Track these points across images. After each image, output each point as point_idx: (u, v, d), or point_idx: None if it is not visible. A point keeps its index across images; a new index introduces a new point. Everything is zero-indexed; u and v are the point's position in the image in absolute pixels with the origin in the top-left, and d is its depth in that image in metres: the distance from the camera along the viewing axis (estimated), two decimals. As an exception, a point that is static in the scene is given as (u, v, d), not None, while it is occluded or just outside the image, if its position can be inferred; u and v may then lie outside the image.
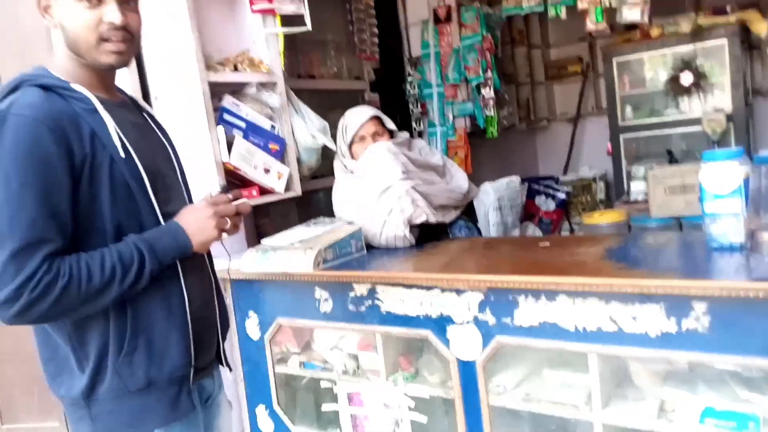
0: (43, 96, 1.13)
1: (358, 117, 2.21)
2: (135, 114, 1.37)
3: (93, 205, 1.16)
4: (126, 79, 2.16)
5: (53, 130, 1.10)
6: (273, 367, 2.13)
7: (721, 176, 1.43)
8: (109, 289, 1.14)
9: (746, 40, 4.46)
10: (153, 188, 1.24)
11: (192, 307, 1.30)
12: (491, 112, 4.31)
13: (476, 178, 3.92)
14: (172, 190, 1.34)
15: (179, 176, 1.41)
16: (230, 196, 1.35)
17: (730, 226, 1.44)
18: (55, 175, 1.10)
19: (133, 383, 1.21)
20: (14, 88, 1.15)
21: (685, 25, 4.31)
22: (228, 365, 1.53)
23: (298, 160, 2.44)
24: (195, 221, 1.25)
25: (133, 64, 2.21)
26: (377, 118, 2.23)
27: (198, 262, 1.38)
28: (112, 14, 1.17)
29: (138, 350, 1.21)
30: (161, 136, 1.42)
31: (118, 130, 1.21)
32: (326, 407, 2.16)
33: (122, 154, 1.19)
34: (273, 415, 2.17)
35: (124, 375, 1.20)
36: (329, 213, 2.32)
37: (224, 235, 1.32)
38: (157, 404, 1.24)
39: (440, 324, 1.72)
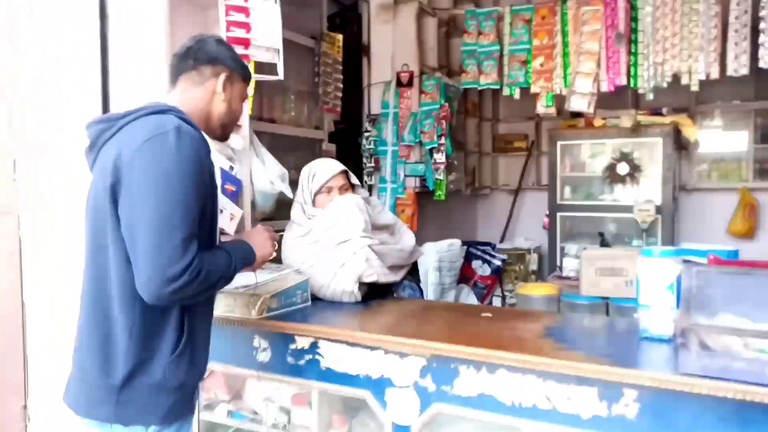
0: (192, 128, 1.41)
1: (328, 169, 2.25)
2: None
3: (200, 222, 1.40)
4: (86, 92, 2.14)
5: (206, 154, 1.40)
6: (198, 414, 2.06)
7: (658, 271, 1.54)
8: (221, 281, 1.42)
9: (677, 140, 4.84)
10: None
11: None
12: (441, 175, 4.45)
13: (420, 236, 3.99)
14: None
15: None
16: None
17: (662, 318, 1.54)
18: (204, 187, 1.38)
19: (172, 381, 1.40)
20: (162, 111, 1.42)
21: (625, 120, 4.65)
22: None
23: (253, 204, 2.43)
24: (259, 240, 1.59)
25: (98, 84, 2.19)
26: (345, 173, 2.27)
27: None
28: (245, 111, 1.61)
29: (185, 355, 1.42)
30: None
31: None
32: (250, 460, 2.09)
33: (220, 190, 1.55)
34: (192, 463, 2.08)
35: (169, 372, 1.39)
36: (276, 260, 2.31)
37: None
38: (181, 401, 1.44)
39: (380, 385, 1.72)
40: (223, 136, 1.62)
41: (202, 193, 1.37)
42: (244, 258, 1.52)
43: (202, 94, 1.52)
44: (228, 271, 1.43)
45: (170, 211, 1.29)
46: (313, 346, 1.83)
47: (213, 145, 2.25)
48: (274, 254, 1.65)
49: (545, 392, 1.50)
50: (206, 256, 1.35)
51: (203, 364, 1.51)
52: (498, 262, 5.27)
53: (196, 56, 1.52)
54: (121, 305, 1.36)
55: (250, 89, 2.34)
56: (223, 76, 1.53)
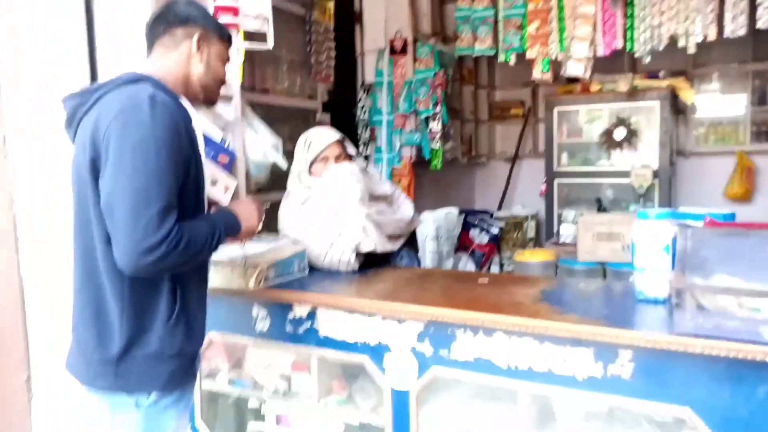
0: (167, 96, 1.39)
1: (324, 137, 2.23)
2: None
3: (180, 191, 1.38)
4: (76, 70, 2.11)
5: (182, 122, 1.37)
6: (200, 382, 2.08)
7: (652, 234, 1.54)
8: (202, 253, 1.40)
9: (675, 104, 4.81)
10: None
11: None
12: (437, 144, 4.43)
13: (417, 206, 3.98)
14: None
15: None
16: None
17: (657, 281, 1.55)
18: (181, 156, 1.35)
19: (169, 349, 1.41)
20: (136, 80, 1.39)
21: (622, 84, 4.61)
22: None
23: (247, 174, 2.42)
24: (245, 211, 1.56)
25: (85, 59, 2.16)
26: (341, 142, 2.25)
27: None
28: (226, 75, 1.57)
29: (180, 323, 1.42)
30: None
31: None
32: (252, 427, 2.12)
33: (204, 157, 1.47)
34: (195, 430, 2.11)
35: (165, 341, 1.40)
36: (273, 229, 2.31)
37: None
38: (180, 369, 1.45)
39: (378, 351, 1.74)
40: (208, 100, 1.58)
41: (180, 162, 1.35)
42: (229, 228, 1.50)
43: (177, 57, 1.48)
44: (211, 240, 1.41)
45: (146, 181, 1.28)
46: (312, 314, 1.84)
47: (205, 115, 2.25)
48: (260, 227, 1.62)
49: (541, 355, 1.51)
50: (187, 226, 1.34)
51: (201, 331, 1.52)
52: (496, 231, 5.30)
53: (166, 19, 1.47)
54: (109, 279, 1.37)
55: (239, 56, 2.30)
56: (196, 36, 1.48)
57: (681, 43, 3.74)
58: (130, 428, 1.41)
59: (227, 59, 1.58)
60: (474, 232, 5.26)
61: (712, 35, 3.66)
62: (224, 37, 1.56)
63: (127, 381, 1.39)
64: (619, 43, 3.90)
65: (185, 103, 1.47)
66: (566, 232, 4.34)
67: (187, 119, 1.41)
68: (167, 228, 1.28)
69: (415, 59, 4.33)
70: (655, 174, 4.62)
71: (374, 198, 2.22)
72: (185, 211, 1.37)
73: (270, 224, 2.31)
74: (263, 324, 1.93)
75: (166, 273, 1.37)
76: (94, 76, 2.18)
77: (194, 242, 1.34)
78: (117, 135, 1.29)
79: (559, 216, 4.84)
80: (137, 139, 1.29)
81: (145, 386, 1.40)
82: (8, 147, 2.38)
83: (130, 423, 1.41)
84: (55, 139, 2.18)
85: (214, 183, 2.24)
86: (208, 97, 1.57)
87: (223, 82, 1.59)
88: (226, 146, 2.33)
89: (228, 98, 2.32)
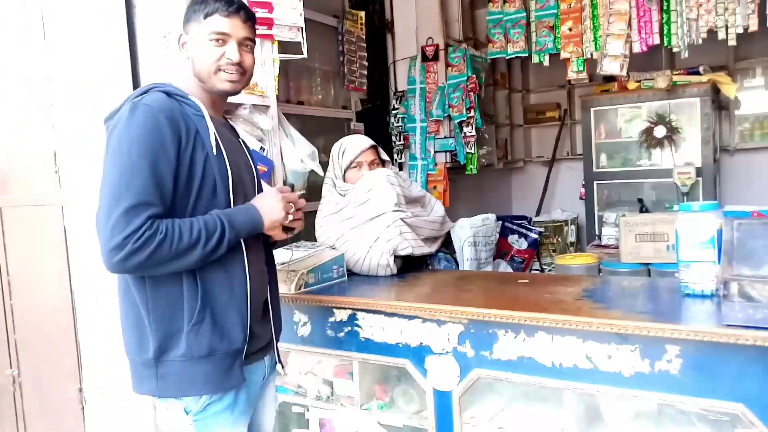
0: (165, 97, 1.40)
1: (357, 144, 2.26)
2: (232, 135, 1.62)
3: (185, 190, 1.37)
4: (120, 86, 2.20)
5: (168, 119, 1.35)
6: (245, 389, 2.11)
7: (697, 226, 1.50)
8: (194, 250, 1.33)
9: (716, 100, 4.68)
10: (233, 190, 1.44)
11: (252, 296, 1.47)
12: (472, 149, 4.41)
13: (453, 213, 3.99)
14: (247, 198, 1.52)
15: (255, 190, 1.62)
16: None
17: (703, 274, 1.50)
18: (165, 153, 1.33)
19: (197, 350, 1.38)
20: (147, 91, 1.42)
21: (661, 82, 4.50)
22: (280, 362, 1.66)
23: (285, 183, 2.46)
24: (266, 203, 1.47)
25: (128, 72, 2.24)
26: (375, 148, 2.28)
27: (261, 267, 1.56)
28: (231, 53, 1.45)
29: (204, 323, 1.38)
30: (248, 156, 1.64)
31: (216, 134, 1.43)
32: (296, 433, 2.14)
33: (215, 152, 1.41)
34: (241, 438, 2.13)
35: (191, 342, 1.37)
36: (310, 237, 2.34)
37: (284, 231, 1.53)
38: (218, 370, 1.40)
39: (419, 354, 1.74)
40: (226, 86, 1.47)
41: (165, 159, 1.32)
42: (243, 223, 1.41)
43: (180, 60, 1.51)
44: (205, 237, 1.33)
45: (117, 180, 1.29)
46: (352, 317, 1.85)
47: (243, 126, 2.30)
48: (290, 217, 1.50)
49: (585, 352, 1.49)
50: (168, 224, 1.30)
51: (235, 330, 1.43)
52: (534, 236, 5.21)
53: (168, 32, 1.55)
54: (134, 283, 1.39)
55: (274, 68, 2.35)
56: (181, 36, 1.49)
57: (721, 36, 3.65)
58: None
59: (219, 34, 1.44)
60: (512, 238, 5.19)
61: (753, 26, 3.56)
62: (199, 11, 1.45)
63: (167, 384, 1.39)
64: (655, 39, 3.82)
65: (196, 101, 1.44)
66: (608, 234, 4.25)
67: (185, 116, 1.39)
68: (133, 226, 1.25)
69: (447, 65, 4.34)
70: (699, 172, 4.48)
71: (409, 201, 2.22)
72: (198, 209, 1.37)
73: (307, 231, 2.34)
74: (305, 329, 1.96)
75: (146, 272, 1.33)
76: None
77: (172, 240, 1.29)
78: (105, 146, 1.36)
79: (600, 218, 4.74)
80: (113, 144, 1.33)
81: (184, 390, 1.40)
82: (59, 162, 2.48)
83: (183, 430, 1.42)
84: (101, 155, 2.26)
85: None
86: (222, 80, 1.46)
87: (219, 59, 1.45)
88: (264, 155, 2.37)
89: (264, 108, 2.37)
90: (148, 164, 1.30)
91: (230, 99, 1.64)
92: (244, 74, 1.51)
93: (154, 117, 1.33)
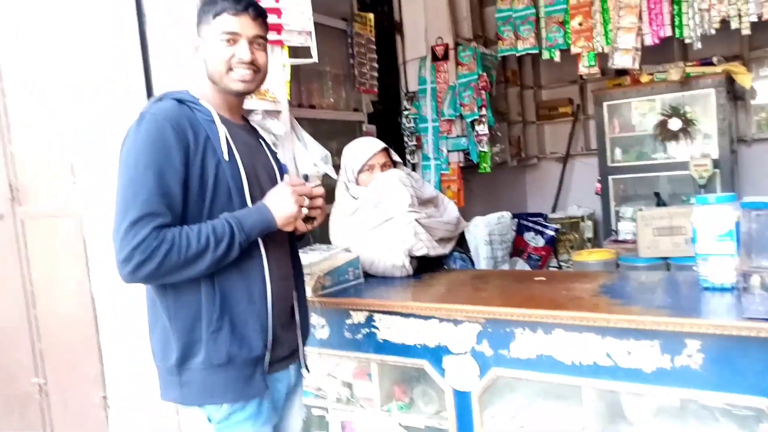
0: (176, 105, 1.40)
1: (369, 147, 2.27)
2: (251, 136, 1.59)
3: (199, 196, 1.37)
4: (132, 90, 2.22)
5: (175, 129, 1.34)
6: (265, 393, 2.12)
7: (715, 219, 1.49)
8: (204, 256, 1.32)
9: (731, 90, 4.62)
10: (250, 195, 1.42)
11: (273, 301, 1.45)
12: (485, 147, 4.40)
13: (468, 212, 3.97)
14: None
15: None
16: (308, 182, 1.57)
17: (722, 267, 1.49)
18: (171, 162, 1.32)
19: (216, 358, 1.37)
20: (160, 99, 1.43)
21: (674, 74, 4.46)
22: (306, 367, 1.64)
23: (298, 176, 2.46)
24: (276, 198, 1.42)
25: (142, 81, 2.27)
26: (386, 150, 2.28)
27: (285, 271, 1.54)
28: (242, 52, 1.43)
29: (222, 330, 1.38)
30: (270, 159, 1.62)
31: (229, 138, 1.42)
32: (317, 435, 2.15)
33: (227, 158, 1.40)
34: (262, 441, 2.15)
35: (210, 349, 1.37)
36: (325, 240, 2.35)
37: (304, 222, 1.50)
38: (234, 380, 1.39)
39: (437, 354, 1.74)
40: (239, 86, 1.45)
41: (171, 168, 1.31)
42: (258, 223, 1.38)
43: (197, 64, 1.50)
44: (214, 242, 1.32)
45: (125, 192, 1.31)
46: (369, 319, 1.86)
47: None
48: (305, 210, 1.46)
49: (605, 349, 1.48)
50: (174, 232, 1.29)
51: (255, 337, 1.41)
52: (551, 233, 5.18)
53: (197, 45, 1.51)
54: (157, 291, 1.40)
55: (285, 72, 2.36)
56: (197, 42, 1.49)
57: (734, 25, 3.60)
58: None
59: (229, 34, 1.42)
60: (529, 236, 5.17)
61: (767, 14, 3.51)
62: (209, 12, 1.44)
63: (189, 392, 1.39)
64: (667, 31, 3.78)
65: (208, 106, 1.43)
66: (625, 229, 4.21)
67: (195, 122, 1.38)
68: (140, 238, 1.26)
69: (457, 64, 4.33)
70: (716, 164, 4.43)
71: (422, 202, 2.23)
72: (214, 214, 1.36)
73: (322, 235, 2.35)
74: (323, 332, 1.97)
75: (159, 280, 1.34)
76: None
77: (180, 247, 1.29)
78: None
79: (617, 213, 4.71)
80: (123, 157, 1.35)
81: (205, 398, 1.40)
82: (77, 175, 2.52)
83: None
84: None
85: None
86: (236, 80, 1.44)
87: (229, 58, 1.43)
88: (278, 159, 2.38)
89: (277, 113, 2.38)
90: (153, 175, 1.30)
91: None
92: (258, 72, 1.47)
93: (159, 126, 1.33)
